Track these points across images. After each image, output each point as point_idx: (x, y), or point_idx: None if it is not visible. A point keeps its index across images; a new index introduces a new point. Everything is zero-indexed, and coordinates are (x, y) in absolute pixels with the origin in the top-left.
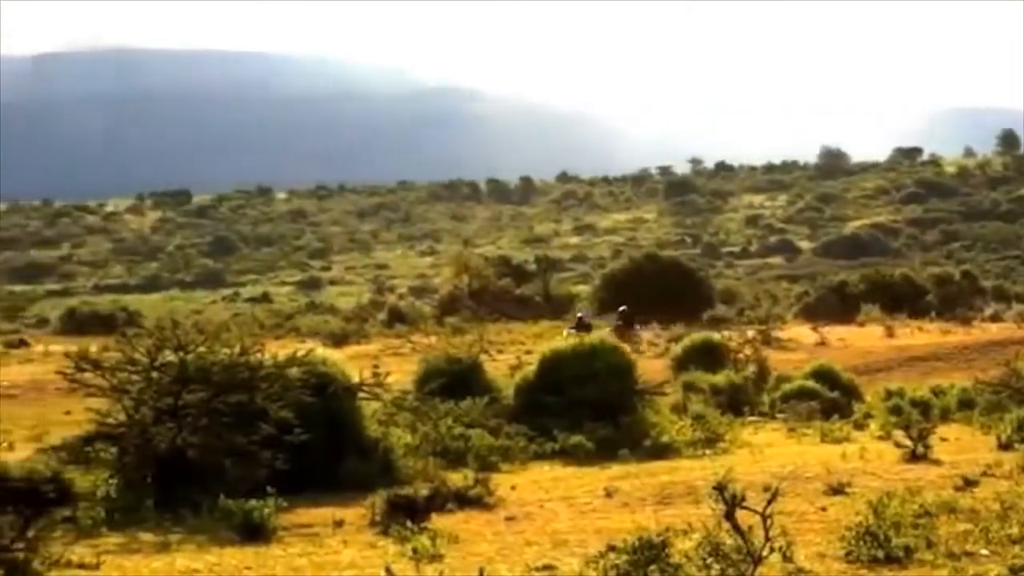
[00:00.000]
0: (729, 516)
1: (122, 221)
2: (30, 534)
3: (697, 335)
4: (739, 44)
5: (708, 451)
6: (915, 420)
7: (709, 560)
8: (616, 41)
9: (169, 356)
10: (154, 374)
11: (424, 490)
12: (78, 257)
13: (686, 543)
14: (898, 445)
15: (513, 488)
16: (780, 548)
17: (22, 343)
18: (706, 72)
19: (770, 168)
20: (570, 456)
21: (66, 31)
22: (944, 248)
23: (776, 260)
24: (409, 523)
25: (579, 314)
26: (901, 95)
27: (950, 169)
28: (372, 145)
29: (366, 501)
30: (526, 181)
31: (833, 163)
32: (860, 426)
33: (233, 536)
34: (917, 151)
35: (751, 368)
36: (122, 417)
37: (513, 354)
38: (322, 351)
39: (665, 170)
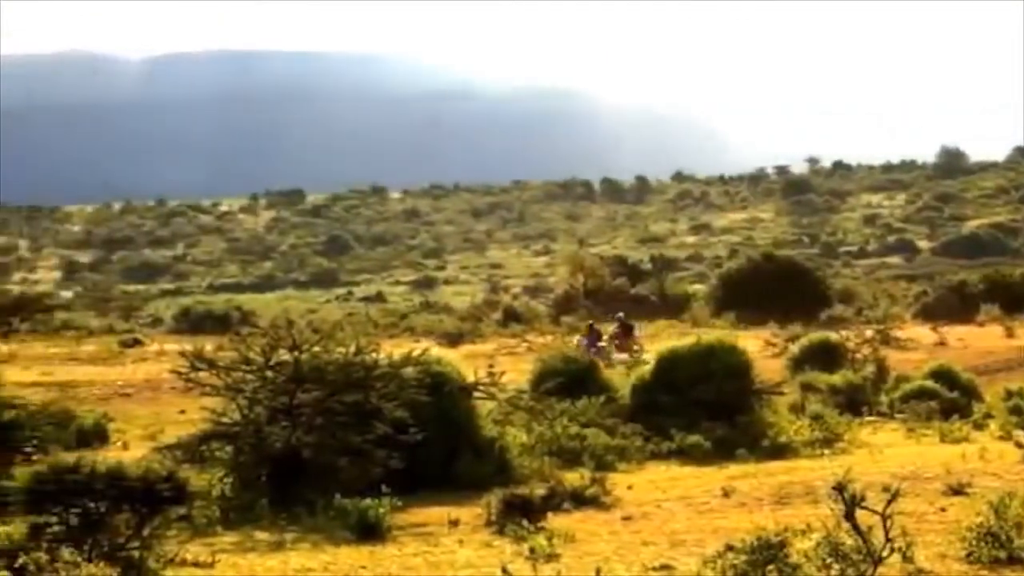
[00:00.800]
0: (849, 516)
1: (236, 221)
2: (145, 533)
3: (815, 335)
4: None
5: (826, 451)
6: None
7: (829, 560)
8: (718, 41)
9: (284, 355)
10: (269, 373)
11: (540, 490)
12: (192, 257)
13: (805, 543)
14: (1019, 445)
15: (630, 488)
16: (900, 548)
17: (137, 342)
18: (803, 72)
19: (888, 167)
20: (687, 456)
21: (182, 33)
22: None
23: (894, 260)
24: (525, 523)
25: (619, 315)
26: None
27: None
28: (485, 145)
29: (482, 501)
30: (641, 181)
31: (952, 162)
32: (980, 426)
33: (348, 535)
34: None
35: (869, 368)
36: (237, 416)
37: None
38: (437, 350)
39: (782, 169)
